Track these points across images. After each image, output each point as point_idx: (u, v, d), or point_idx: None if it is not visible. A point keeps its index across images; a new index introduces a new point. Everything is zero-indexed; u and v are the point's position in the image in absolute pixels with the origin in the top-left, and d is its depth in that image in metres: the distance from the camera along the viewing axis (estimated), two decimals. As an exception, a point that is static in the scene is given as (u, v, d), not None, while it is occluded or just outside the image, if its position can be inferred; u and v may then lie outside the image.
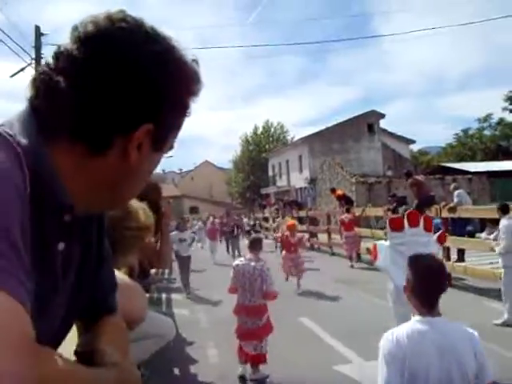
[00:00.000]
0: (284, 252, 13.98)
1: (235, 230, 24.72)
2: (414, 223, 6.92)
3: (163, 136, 1.02)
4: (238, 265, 7.35)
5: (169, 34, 1.04)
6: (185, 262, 14.15)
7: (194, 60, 1.06)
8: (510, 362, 6.84)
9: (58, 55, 0.97)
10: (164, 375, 7.55)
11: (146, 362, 7.51)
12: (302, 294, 12.46)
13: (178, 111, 1.04)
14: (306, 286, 12.80)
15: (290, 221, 16.33)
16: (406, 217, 7.00)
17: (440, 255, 10.53)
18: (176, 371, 7.90)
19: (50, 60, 0.98)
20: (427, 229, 7.04)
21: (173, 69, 0.99)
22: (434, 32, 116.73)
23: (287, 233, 13.96)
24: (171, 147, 1.10)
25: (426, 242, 6.70)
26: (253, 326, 7.12)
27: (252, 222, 30.33)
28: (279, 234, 18.71)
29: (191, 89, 1.05)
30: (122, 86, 0.93)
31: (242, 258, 7.61)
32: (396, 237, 6.91)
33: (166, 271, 19.66)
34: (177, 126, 1.07)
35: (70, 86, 0.93)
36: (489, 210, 12.63)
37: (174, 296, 13.83)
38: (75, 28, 0.98)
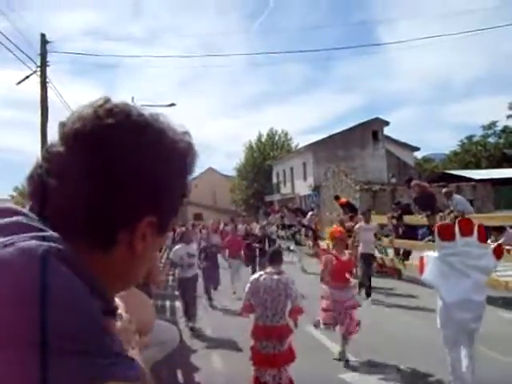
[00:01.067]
0: (328, 281, 8.71)
1: (264, 242, 18.63)
2: (466, 232, 5.95)
3: (165, 222, 1.04)
4: (257, 279, 6.68)
5: (156, 113, 1.04)
6: (189, 285, 11.53)
7: (185, 133, 1.07)
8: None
9: (49, 156, 0.97)
10: (168, 382, 7.57)
11: (150, 369, 7.56)
12: (308, 299, 12.48)
13: (176, 196, 1.05)
14: (312, 291, 12.80)
15: (335, 228, 10.67)
16: (457, 224, 6.03)
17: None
18: (180, 379, 7.92)
19: (43, 161, 0.98)
20: (482, 239, 6.08)
21: (165, 156, 0.99)
22: (439, 40, 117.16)
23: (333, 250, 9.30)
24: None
25: (480, 255, 5.91)
26: (273, 352, 6.46)
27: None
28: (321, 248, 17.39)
29: (186, 169, 1.05)
30: (116, 184, 0.93)
31: (262, 272, 6.91)
32: (445, 247, 5.95)
33: (170, 278, 19.70)
34: (178, 209, 1.08)
35: (65, 190, 0.93)
36: (494, 218, 12.65)
37: (178, 303, 13.82)
38: (62, 125, 0.99)
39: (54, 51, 19.98)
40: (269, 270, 6.77)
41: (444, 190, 15.54)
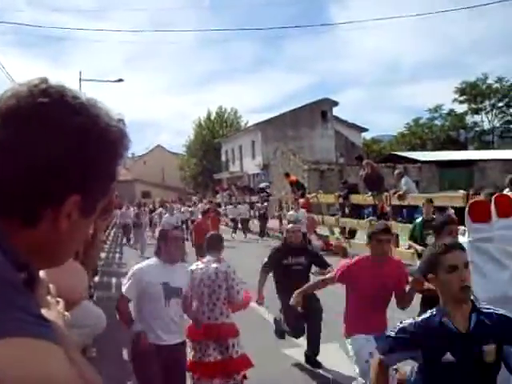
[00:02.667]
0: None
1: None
2: (506, 211, 4.71)
3: (92, 204, 1.05)
4: (192, 271, 5.83)
5: (93, 98, 1.05)
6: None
7: (120, 120, 1.08)
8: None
9: None
10: (114, 360, 7.53)
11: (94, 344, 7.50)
12: (250, 277, 12.52)
13: (104, 179, 1.05)
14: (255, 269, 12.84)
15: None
16: (493, 202, 4.79)
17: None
18: (125, 356, 7.87)
19: None
20: None
21: (96, 138, 0.99)
22: (390, 22, 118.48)
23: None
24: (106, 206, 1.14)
25: None
26: (218, 358, 5.63)
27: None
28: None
29: (117, 155, 1.06)
30: (44, 161, 0.93)
31: (198, 262, 6.17)
32: (479, 230, 4.74)
33: (117, 255, 19.55)
34: (105, 192, 1.08)
35: None
36: (436, 199, 12.86)
37: (124, 281, 13.68)
38: None
39: (-2, 21, 19.36)
40: (206, 258, 6.02)
41: (396, 171, 15.79)
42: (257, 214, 27.50)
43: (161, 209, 28.66)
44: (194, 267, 5.94)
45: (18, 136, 0.93)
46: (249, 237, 26.50)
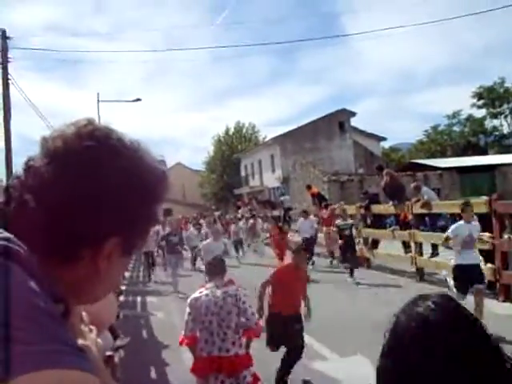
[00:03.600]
0: None
1: None
2: None
3: (132, 244, 1.06)
4: (196, 299, 5.29)
5: (135, 139, 1.07)
6: None
7: (161, 161, 1.11)
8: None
9: (27, 169, 1.00)
10: (139, 377, 7.53)
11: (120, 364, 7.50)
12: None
13: (145, 221, 1.08)
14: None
15: None
16: None
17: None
18: (152, 374, 7.88)
19: (21, 172, 1.01)
20: None
21: (138, 182, 1.02)
22: (403, 31, 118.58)
23: None
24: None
25: None
26: None
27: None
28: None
29: (158, 198, 1.09)
30: (86, 203, 0.96)
31: (202, 289, 5.44)
32: None
33: (141, 274, 19.56)
34: (145, 233, 1.11)
35: (38, 203, 0.96)
36: (459, 205, 12.77)
37: (149, 299, 13.76)
38: (44, 141, 1.01)
39: (16, 47, 19.66)
40: (209, 285, 5.43)
41: (412, 184, 15.64)
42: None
43: (192, 229, 23.69)
44: (196, 295, 5.35)
45: (63, 177, 0.95)
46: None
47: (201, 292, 5.34)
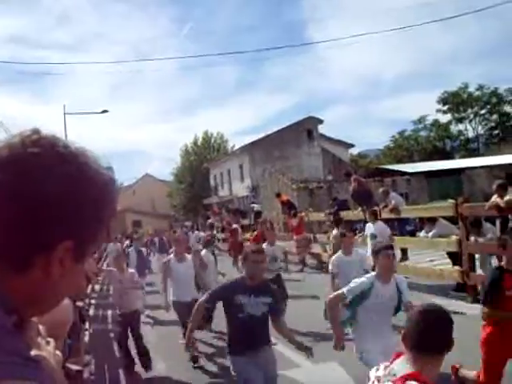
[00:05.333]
0: None
1: None
2: None
3: (84, 249, 1.06)
4: None
5: (81, 147, 1.08)
6: None
7: (109, 167, 1.12)
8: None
9: None
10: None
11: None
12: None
13: (95, 225, 1.08)
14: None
15: None
16: None
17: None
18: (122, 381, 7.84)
19: None
20: None
21: (85, 185, 1.03)
22: (368, 38, 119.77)
23: None
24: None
25: None
26: None
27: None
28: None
29: (106, 201, 1.09)
30: (34, 209, 0.96)
31: None
32: None
33: (97, 287, 19.20)
34: (97, 237, 1.11)
35: None
36: (426, 210, 12.93)
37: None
38: None
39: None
40: None
41: (381, 189, 15.80)
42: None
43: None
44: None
45: (8, 185, 0.95)
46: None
47: None
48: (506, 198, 9.98)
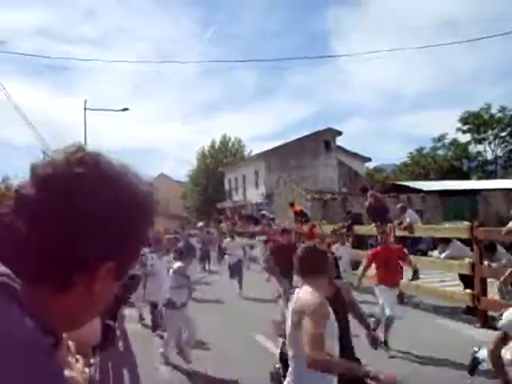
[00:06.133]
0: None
1: None
2: None
3: (125, 267, 1.08)
4: None
5: (124, 164, 1.08)
6: None
7: (150, 184, 1.13)
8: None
9: (17, 196, 1.00)
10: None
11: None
12: (256, 308, 12.42)
13: (136, 244, 1.09)
14: (262, 297, 12.74)
15: None
16: None
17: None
18: (125, 379, 7.83)
19: (13, 199, 1.01)
20: None
21: (129, 206, 1.03)
22: (391, 53, 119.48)
23: None
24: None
25: None
26: None
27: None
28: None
29: (148, 220, 1.10)
30: (80, 229, 0.96)
31: None
32: None
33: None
34: (136, 256, 1.13)
35: (30, 230, 0.96)
36: (441, 230, 12.84)
37: (125, 311, 13.59)
38: (34, 168, 1.02)
39: (3, 51, 19.64)
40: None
41: (399, 205, 15.73)
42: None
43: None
44: None
45: (54, 204, 0.96)
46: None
47: None
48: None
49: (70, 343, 1.26)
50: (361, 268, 16.74)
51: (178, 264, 9.31)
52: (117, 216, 1.01)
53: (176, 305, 8.66)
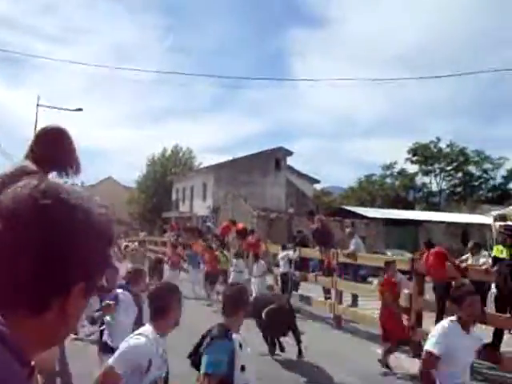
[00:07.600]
0: None
1: None
2: None
3: (93, 285, 1.12)
4: None
5: (81, 191, 1.12)
6: None
7: (106, 208, 1.16)
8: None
9: None
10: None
11: None
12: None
13: (102, 264, 1.14)
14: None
15: None
16: None
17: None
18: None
19: None
20: None
21: (93, 230, 1.07)
22: (348, 81, 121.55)
23: None
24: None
25: None
26: None
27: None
28: None
29: (110, 241, 1.14)
30: (51, 257, 1.00)
31: None
32: None
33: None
34: (102, 274, 1.19)
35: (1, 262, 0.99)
36: (382, 260, 12.98)
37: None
38: None
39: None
40: None
41: (348, 230, 16.00)
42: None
43: None
44: None
45: (24, 239, 0.99)
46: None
47: None
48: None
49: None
50: (301, 288, 16.89)
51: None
52: (83, 243, 1.04)
53: None
